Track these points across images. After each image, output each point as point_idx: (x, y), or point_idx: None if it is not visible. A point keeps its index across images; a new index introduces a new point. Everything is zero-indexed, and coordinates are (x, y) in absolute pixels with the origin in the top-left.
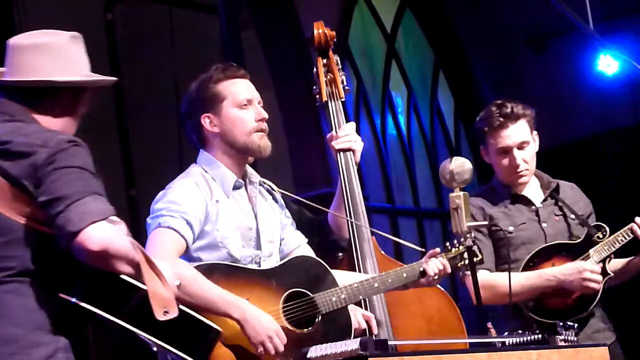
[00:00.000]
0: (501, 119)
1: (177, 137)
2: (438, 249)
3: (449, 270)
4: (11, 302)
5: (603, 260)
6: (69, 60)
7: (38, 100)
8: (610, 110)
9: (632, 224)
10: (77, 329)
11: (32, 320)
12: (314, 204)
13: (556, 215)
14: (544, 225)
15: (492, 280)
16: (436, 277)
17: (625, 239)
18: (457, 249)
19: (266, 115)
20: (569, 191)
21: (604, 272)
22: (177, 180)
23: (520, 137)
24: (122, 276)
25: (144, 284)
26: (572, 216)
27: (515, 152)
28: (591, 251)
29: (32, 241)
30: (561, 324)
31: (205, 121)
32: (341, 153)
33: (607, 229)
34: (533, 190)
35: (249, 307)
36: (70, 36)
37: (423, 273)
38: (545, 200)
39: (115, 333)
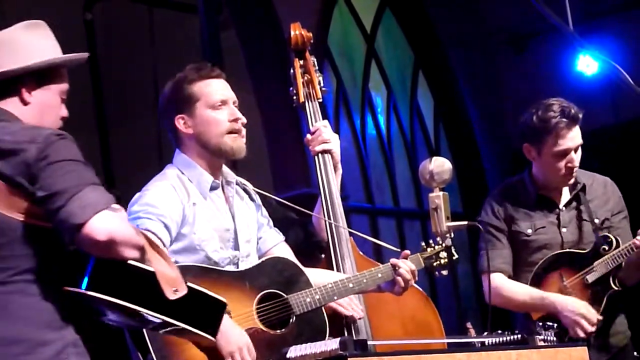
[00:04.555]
0: (566, 121)
1: (157, 137)
2: (408, 252)
3: (413, 268)
4: (17, 301)
5: (607, 274)
6: (19, 49)
7: (4, 95)
8: (589, 111)
9: (635, 239)
10: (82, 323)
11: (39, 318)
12: (292, 205)
13: (577, 219)
14: (563, 230)
15: (501, 286)
16: (408, 277)
17: (630, 253)
18: (432, 248)
19: (240, 116)
20: (600, 189)
21: (607, 286)
22: (153, 182)
23: (579, 139)
24: (129, 261)
25: (149, 266)
26: (590, 222)
27: (573, 154)
28: (596, 264)
29: (32, 238)
30: (540, 324)
31: (180, 122)
32: (318, 155)
33: (615, 241)
34: (561, 191)
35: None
36: (25, 25)
37: (397, 273)
38: (569, 202)
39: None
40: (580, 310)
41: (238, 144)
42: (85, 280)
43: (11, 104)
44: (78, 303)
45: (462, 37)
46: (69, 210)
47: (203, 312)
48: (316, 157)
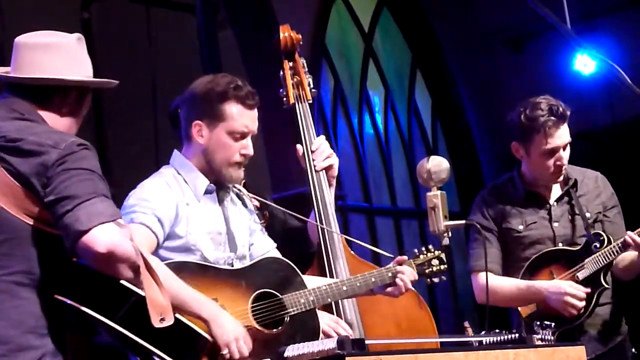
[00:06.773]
0: (554, 119)
1: (154, 137)
2: (405, 257)
3: (416, 277)
4: (5, 303)
5: (598, 272)
6: (76, 60)
7: (46, 98)
8: (587, 110)
9: (625, 236)
10: (62, 332)
11: (24, 323)
12: (287, 211)
13: (569, 214)
14: (555, 224)
15: (489, 284)
16: (410, 286)
17: (619, 252)
18: (425, 255)
19: (251, 152)
20: (592, 184)
21: (597, 284)
22: (148, 179)
23: (567, 137)
24: (122, 281)
25: (141, 289)
26: (582, 217)
27: (561, 152)
28: (586, 261)
29: (37, 242)
30: (538, 323)
31: (195, 128)
32: (314, 171)
33: (607, 238)
34: (551, 187)
35: (218, 308)
36: (77, 38)
37: (393, 278)
38: (561, 198)
39: (96, 336)
40: (566, 289)
41: (237, 174)
42: (75, 292)
43: (48, 114)
44: (66, 313)
45: (459, 36)
46: (76, 215)
47: (183, 344)
48: (310, 173)
